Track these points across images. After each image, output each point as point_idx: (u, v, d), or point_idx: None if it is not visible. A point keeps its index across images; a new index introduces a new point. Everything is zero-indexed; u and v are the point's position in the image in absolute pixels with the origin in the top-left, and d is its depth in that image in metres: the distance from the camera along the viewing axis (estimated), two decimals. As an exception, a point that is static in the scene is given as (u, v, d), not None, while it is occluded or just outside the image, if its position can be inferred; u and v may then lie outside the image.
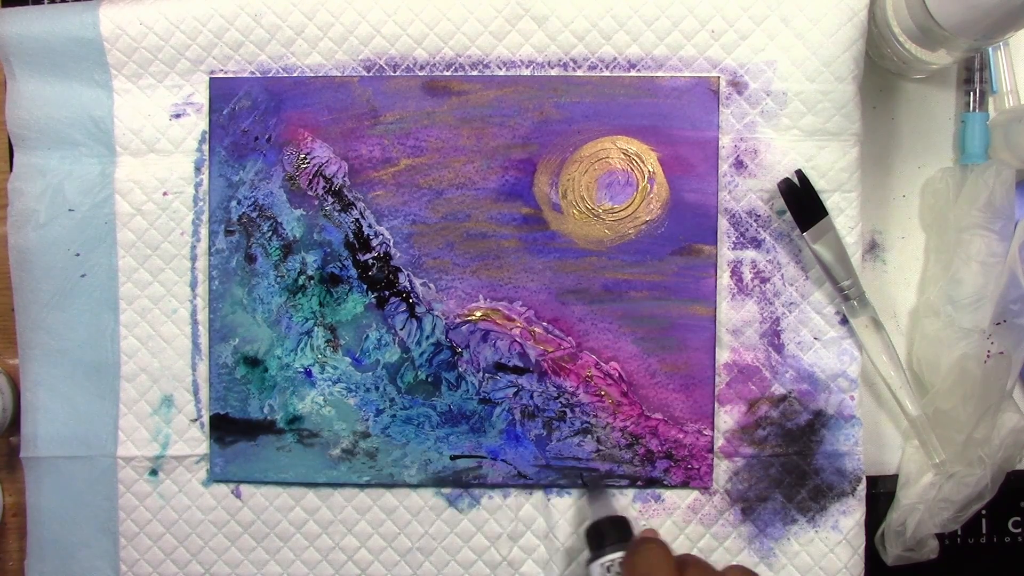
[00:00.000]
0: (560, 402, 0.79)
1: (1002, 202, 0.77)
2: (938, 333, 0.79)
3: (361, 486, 0.80)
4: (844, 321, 0.78)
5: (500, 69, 0.79)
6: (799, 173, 0.76)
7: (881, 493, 0.82)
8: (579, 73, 0.79)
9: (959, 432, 0.78)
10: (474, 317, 0.79)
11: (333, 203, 0.80)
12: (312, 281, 0.80)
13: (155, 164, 0.80)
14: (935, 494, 0.79)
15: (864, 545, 0.79)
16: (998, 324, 0.77)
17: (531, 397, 0.79)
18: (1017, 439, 0.79)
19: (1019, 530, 0.84)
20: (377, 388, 0.80)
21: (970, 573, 0.85)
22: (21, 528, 0.85)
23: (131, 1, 0.79)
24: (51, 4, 0.83)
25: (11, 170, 0.82)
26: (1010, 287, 0.77)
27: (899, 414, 0.80)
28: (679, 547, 0.79)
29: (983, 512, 0.84)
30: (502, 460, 0.79)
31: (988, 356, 0.77)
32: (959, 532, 0.83)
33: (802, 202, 0.76)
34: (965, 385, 0.77)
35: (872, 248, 0.83)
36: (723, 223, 0.79)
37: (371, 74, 0.79)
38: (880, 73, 0.81)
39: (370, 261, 0.80)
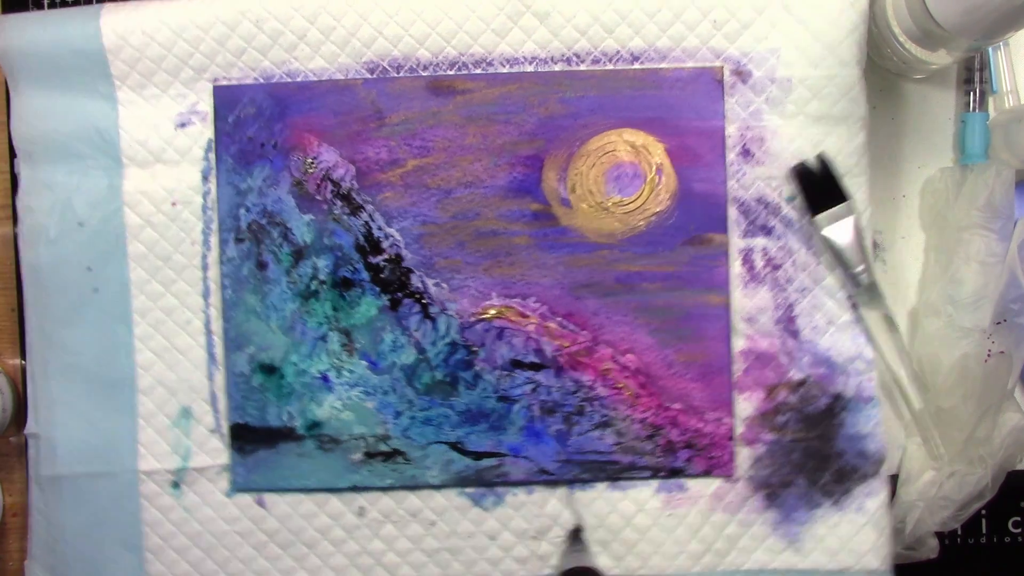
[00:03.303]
0: (578, 396, 0.79)
1: (1002, 202, 0.78)
2: (938, 333, 0.80)
3: (384, 489, 0.80)
4: (857, 305, 0.79)
5: (504, 66, 0.79)
6: (820, 157, 0.77)
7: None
8: (583, 68, 0.79)
9: (960, 431, 0.78)
10: (488, 315, 0.79)
11: (342, 207, 0.80)
12: (324, 286, 0.80)
13: (162, 174, 0.80)
14: (935, 492, 0.79)
15: (890, 526, 0.79)
16: (998, 323, 0.78)
17: (549, 393, 0.79)
18: (1018, 439, 0.79)
19: (1019, 530, 0.85)
20: (395, 390, 0.80)
21: (970, 573, 0.85)
22: (21, 528, 0.85)
23: (132, 10, 0.79)
24: (52, 11, 0.82)
25: (11, 170, 0.82)
26: (1010, 286, 0.78)
27: (900, 412, 0.81)
28: (704, 536, 0.79)
29: (983, 512, 0.84)
30: (523, 457, 0.80)
31: (989, 355, 0.78)
32: (959, 532, 0.84)
33: (816, 186, 0.77)
34: (966, 384, 0.78)
35: (872, 248, 0.83)
36: (732, 211, 0.79)
37: (375, 76, 0.79)
38: (880, 73, 0.82)
39: (381, 263, 0.80)
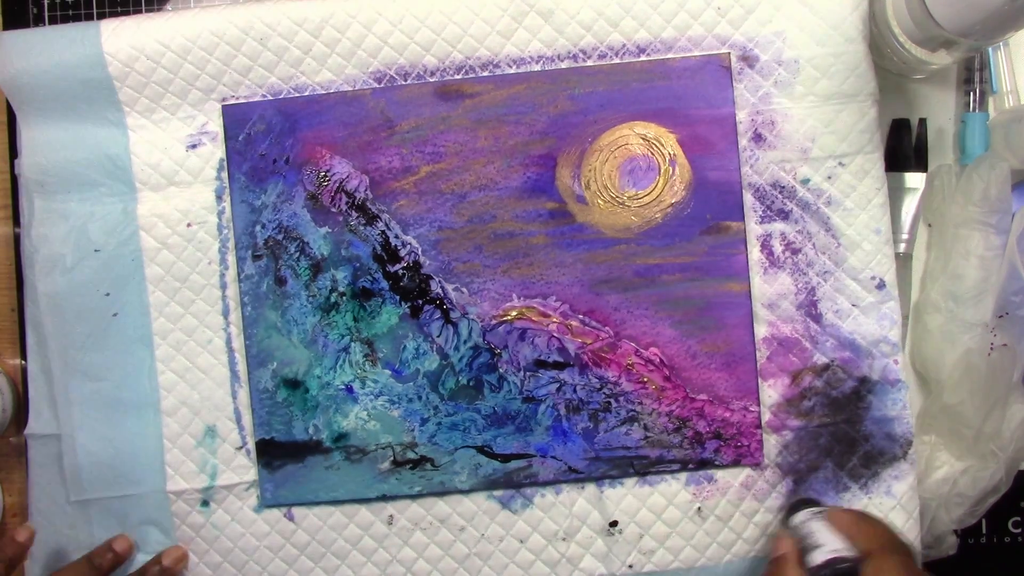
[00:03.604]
0: (604, 393, 0.79)
1: (998, 195, 0.78)
2: (941, 329, 0.79)
3: (413, 496, 0.80)
4: (881, 286, 0.78)
5: (511, 67, 0.79)
6: (922, 121, 0.81)
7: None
8: (590, 63, 0.79)
9: (968, 427, 0.78)
10: (510, 317, 0.79)
11: (357, 217, 0.80)
12: (344, 297, 0.80)
13: (176, 196, 0.80)
14: (949, 489, 0.79)
15: (919, 508, 0.79)
16: (1000, 317, 0.78)
17: (574, 391, 0.79)
18: (1027, 431, 0.79)
19: (1019, 530, 0.85)
20: (420, 397, 0.80)
21: (970, 573, 0.84)
22: None
23: (133, 35, 0.79)
24: (52, 33, 0.81)
25: (11, 170, 0.83)
26: (1010, 279, 0.77)
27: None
28: (734, 525, 0.79)
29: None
30: (551, 457, 0.79)
31: (992, 349, 0.77)
32: (958, 532, 0.82)
33: (903, 146, 0.81)
34: (971, 379, 0.77)
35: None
36: (748, 198, 0.78)
37: (382, 85, 0.79)
38: (880, 73, 0.81)
39: (400, 271, 0.80)
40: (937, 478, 0.80)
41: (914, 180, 0.81)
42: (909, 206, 0.81)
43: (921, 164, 0.82)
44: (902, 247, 0.81)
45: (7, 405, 0.85)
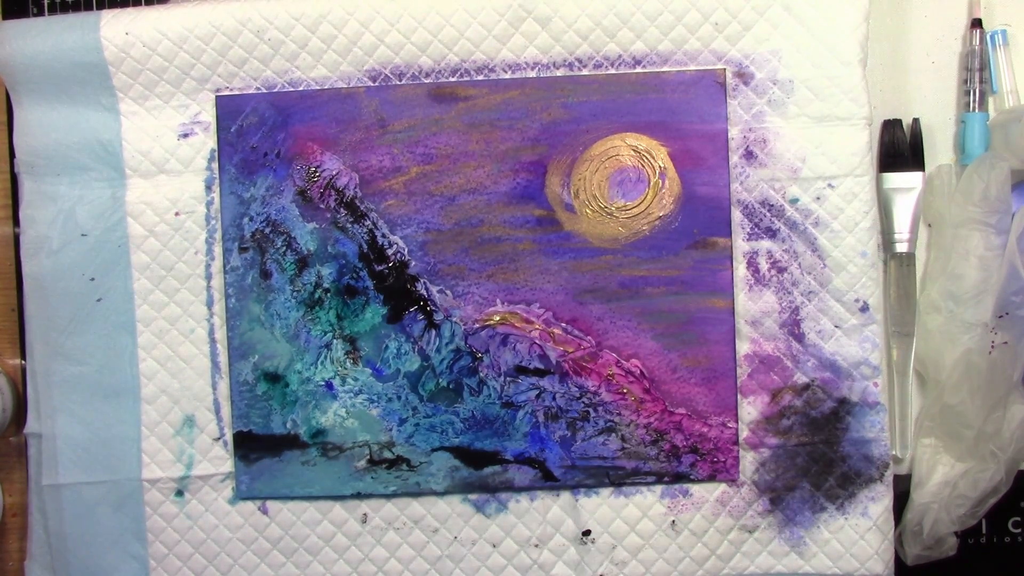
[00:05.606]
0: (583, 402, 0.79)
1: (998, 195, 0.77)
2: (941, 329, 0.79)
3: (388, 496, 0.80)
4: (865, 308, 0.78)
5: (506, 72, 0.79)
6: (915, 120, 0.81)
7: (895, 493, 0.81)
8: (585, 72, 0.79)
9: (968, 428, 0.78)
10: (492, 321, 0.79)
11: (346, 215, 0.80)
12: (329, 294, 0.80)
13: (165, 185, 0.80)
14: (950, 492, 0.79)
15: (894, 530, 0.79)
16: (1000, 317, 0.77)
17: (553, 398, 0.79)
18: (1027, 431, 0.79)
19: (1019, 530, 0.84)
20: (399, 397, 0.80)
21: (970, 573, 0.84)
22: (21, 528, 0.86)
23: (132, 22, 0.79)
24: (52, 19, 0.82)
25: (11, 170, 0.83)
26: (1010, 279, 0.77)
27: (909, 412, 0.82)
28: (708, 540, 0.79)
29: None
30: (528, 463, 0.79)
31: (992, 347, 0.77)
32: (958, 533, 0.82)
33: (897, 147, 0.81)
34: (972, 379, 0.77)
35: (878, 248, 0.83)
36: (736, 214, 0.78)
37: (377, 84, 0.79)
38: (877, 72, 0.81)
39: (386, 271, 0.80)
40: (937, 480, 0.79)
41: (911, 180, 0.80)
42: (908, 206, 0.80)
43: (918, 163, 0.81)
44: (899, 247, 0.81)
45: (7, 405, 0.84)
